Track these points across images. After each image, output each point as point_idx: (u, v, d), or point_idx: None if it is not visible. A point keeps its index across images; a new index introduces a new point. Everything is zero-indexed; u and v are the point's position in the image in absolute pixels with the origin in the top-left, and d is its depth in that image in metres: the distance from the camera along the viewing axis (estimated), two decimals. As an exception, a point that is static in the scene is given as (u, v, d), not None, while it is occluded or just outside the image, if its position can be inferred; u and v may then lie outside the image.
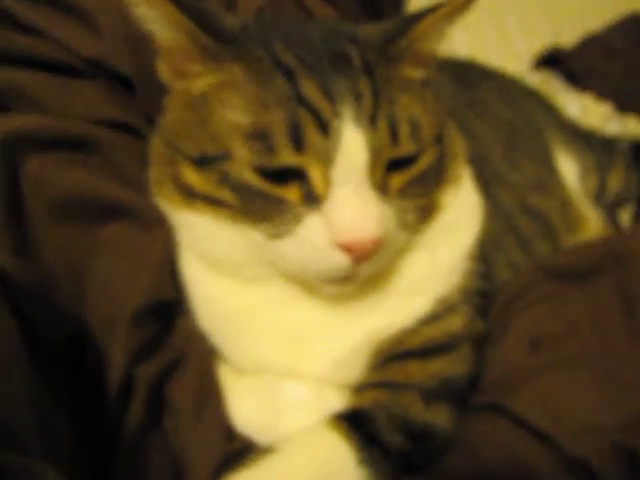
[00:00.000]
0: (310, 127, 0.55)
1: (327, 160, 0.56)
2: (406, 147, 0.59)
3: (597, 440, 0.68)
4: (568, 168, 1.19)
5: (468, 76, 1.21)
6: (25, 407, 0.48)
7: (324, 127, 0.55)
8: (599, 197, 1.23)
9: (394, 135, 0.58)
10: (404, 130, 0.59)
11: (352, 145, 0.56)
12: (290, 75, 0.57)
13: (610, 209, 1.26)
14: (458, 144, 0.73)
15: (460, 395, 0.71)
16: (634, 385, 0.74)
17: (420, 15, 0.63)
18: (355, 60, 0.59)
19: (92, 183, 0.68)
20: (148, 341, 0.63)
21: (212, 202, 0.61)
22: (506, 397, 0.74)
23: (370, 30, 0.65)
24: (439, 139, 0.65)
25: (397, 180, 0.60)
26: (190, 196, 0.62)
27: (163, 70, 0.64)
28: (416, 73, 0.65)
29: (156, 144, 0.66)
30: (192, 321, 0.69)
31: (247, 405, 0.66)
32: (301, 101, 0.56)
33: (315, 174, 0.56)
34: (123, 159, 0.71)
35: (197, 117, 0.61)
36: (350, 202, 0.56)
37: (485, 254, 0.87)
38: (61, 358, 0.63)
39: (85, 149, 0.70)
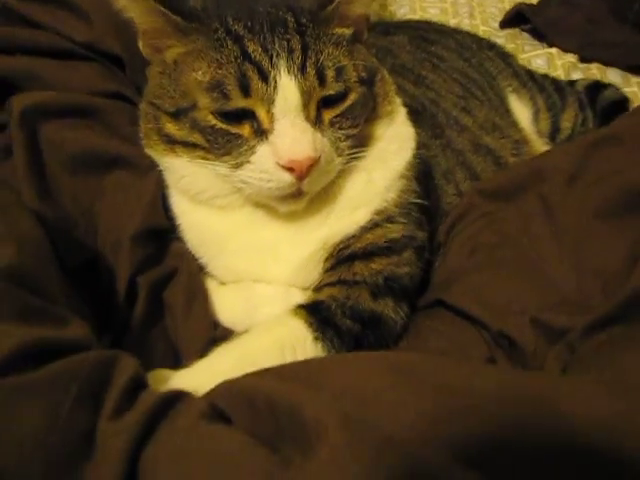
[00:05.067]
0: (254, 77, 0.72)
1: (269, 101, 0.72)
2: (332, 87, 0.75)
3: (517, 319, 0.83)
4: (521, 110, 1.32)
5: (427, 35, 1.36)
6: (59, 291, 0.65)
7: (264, 76, 0.72)
8: (554, 136, 1.36)
9: (322, 79, 0.74)
10: (330, 75, 0.75)
11: (287, 88, 0.72)
12: (238, 40, 0.74)
13: (568, 146, 1.39)
14: (389, 87, 0.89)
15: (406, 292, 0.87)
16: (558, 277, 0.88)
17: None
18: (290, 24, 0.75)
19: (96, 141, 0.86)
20: (147, 257, 0.81)
21: (187, 146, 0.78)
22: (446, 292, 0.89)
23: None
24: (367, 82, 0.81)
25: (329, 114, 0.76)
26: (171, 143, 0.79)
27: (143, 47, 0.81)
28: (344, 31, 0.80)
29: (143, 106, 0.83)
30: (182, 245, 0.86)
31: (229, 303, 0.84)
32: (246, 58, 0.72)
33: (261, 112, 0.73)
34: (119, 121, 0.88)
35: (171, 80, 0.77)
36: (288, 131, 0.72)
37: (434, 186, 1.02)
38: (82, 275, 0.80)
39: (88, 115, 0.88)
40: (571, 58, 1.68)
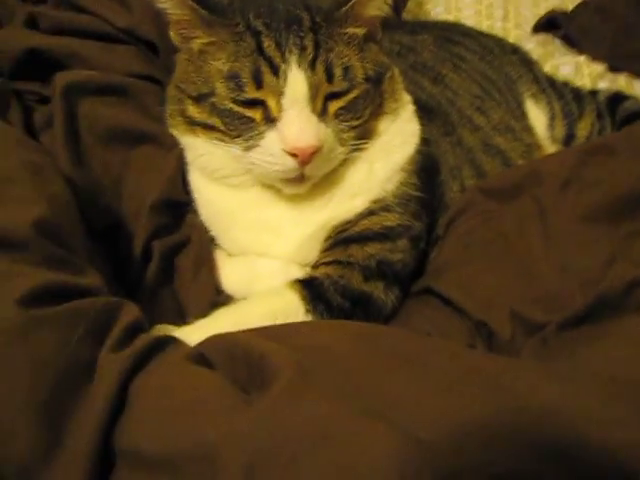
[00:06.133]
0: (266, 71, 0.80)
1: (278, 93, 0.80)
2: (339, 85, 0.83)
3: (498, 310, 0.89)
4: (537, 116, 1.36)
5: (451, 36, 1.41)
6: (82, 246, 0.75)
7: (275, 70, 0.79)
8: (568, 142, 1.40)
9: (330, 76, 0.81)
10: (338, 73, 0.82)
11: (296, 82, 0.80)
12: (256, 35, 0.82)
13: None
14: (397, 85, 0.95)
15: (398, 277, 0.93)
16: (542, 274, 0.93)
17: None
18: (305, 22, 0.83)
19: (127, 118, 0.96)
20: (163, 225, 0.90)
21: (206, 127, 0.86)
22: (435, 281, 0.96)
23: None
24: (374, 80, 0.88)
25: (334, 106, 0.84)
26: (192, 125, 0.88)
27: (174, 35, 0.89)
28: (358, 31, 0.87)
29: (170, 89, 0.92)
30: (197, 217, 0.95)
31: (233, 272, 0.93)
32: (261, 53, 0.80)
33: (271, 103, 0.81)
34: (149, 101, 0.98)
35: (195, 67, 0.86)
36: (294, 121, 0.80)
37: (440, 181, 1.09)
38: (105, 237, 0.90)
39: (122, 94, 0.97)
40: (599, 67, 1.69)
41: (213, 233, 0.95)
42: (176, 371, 0.56)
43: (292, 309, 0.84)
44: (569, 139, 1.40)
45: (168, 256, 0.89)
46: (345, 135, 0.86)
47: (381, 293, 0.91)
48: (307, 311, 0.85)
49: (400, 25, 1.50)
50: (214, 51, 0.84)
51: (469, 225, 1.04)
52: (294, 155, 0.80)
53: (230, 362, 0.59)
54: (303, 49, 0.81)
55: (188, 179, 0.96)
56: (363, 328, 0.65)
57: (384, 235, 0.91)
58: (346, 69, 0.83)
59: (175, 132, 0.92)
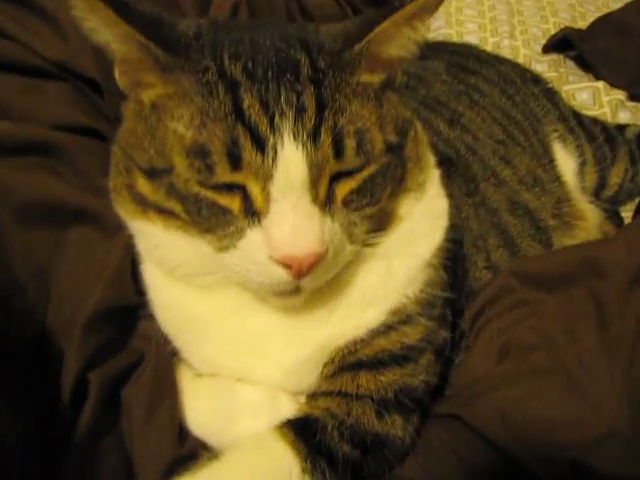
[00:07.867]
0: (246, 144, 0.54)
1: (265, 176, 0.55)
2: (351, 162, 0.58)
3: (554, 456, 0.68)
4: (566, 161, 1.15)
5: (466, 63, 1.18)
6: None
7: (260, 144, 0.54)
8: (599, 192, 1.19)
9: (339, 150, 0.57)
10: (350, 145, 0.57)
11: (290, 161, 0.55)
12: (233, 87, 0.56)
13: (612, 204, 1.23)
14: (422, 149, 0.71)
15: (419, 404, 0.71)
16: (603, 400, 0.72)
17: (381, 15, 0.61)
18: (303, 68, 0.57)
19: (56, 188, 0.70)
20: (104, 345, 0.65)
21: (163, 212, 0.61)
22: (466, 408, 0.73)
23: (329, 32, 0.62)
24: (397, 147, 0.64)
25: (342, 189, 0.59)
26: (143, 205, 0.62)
27: (119, 78, 0.63)
28: (374, 78, 0.62)
29: (115, 152, 0.66)
30: (153, 324, 0.70)
31: (203, 407, 0.68)
32: (239, 116, 0.55)
33: (254, 190, 0.56)
34: (87, 164, 0.72)
35: (147, 128, 0.60)
36: (288, 218, 0.55)
37: (462, 256, 0.86)
38: (23, 360, 0.65)
39: (50, 154, 0.71)
40: (619, 95, 1.50)
41: (175, 345, 0.70)
42: None
43: (283, 469, 0.61)
44: (600, 188, 1.19)
45: (111, 390, 0.64)
46: (357, 229, 0.62)
47: (398, 430, 0.68)
48: (303, 471, 0.62)
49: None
50: (173, 107, 0.58)
51: (504, 320, 0.82)
52: (286, 265, 0.56)
53: None
54: (300, 111, 0.56)
55: (140, 273, 0.71)
56: None
57: (404, 357, 0.68)
58: (361, 138, 0.58)
59: (121, 212, 0.66)
